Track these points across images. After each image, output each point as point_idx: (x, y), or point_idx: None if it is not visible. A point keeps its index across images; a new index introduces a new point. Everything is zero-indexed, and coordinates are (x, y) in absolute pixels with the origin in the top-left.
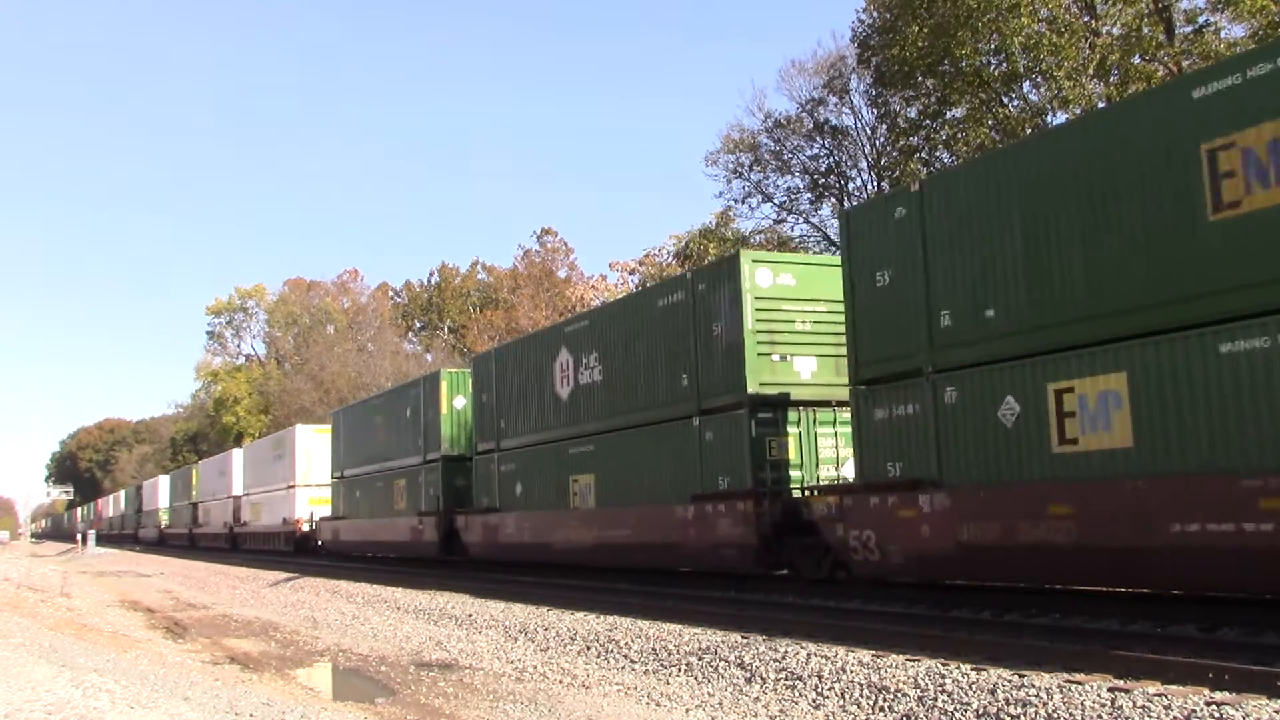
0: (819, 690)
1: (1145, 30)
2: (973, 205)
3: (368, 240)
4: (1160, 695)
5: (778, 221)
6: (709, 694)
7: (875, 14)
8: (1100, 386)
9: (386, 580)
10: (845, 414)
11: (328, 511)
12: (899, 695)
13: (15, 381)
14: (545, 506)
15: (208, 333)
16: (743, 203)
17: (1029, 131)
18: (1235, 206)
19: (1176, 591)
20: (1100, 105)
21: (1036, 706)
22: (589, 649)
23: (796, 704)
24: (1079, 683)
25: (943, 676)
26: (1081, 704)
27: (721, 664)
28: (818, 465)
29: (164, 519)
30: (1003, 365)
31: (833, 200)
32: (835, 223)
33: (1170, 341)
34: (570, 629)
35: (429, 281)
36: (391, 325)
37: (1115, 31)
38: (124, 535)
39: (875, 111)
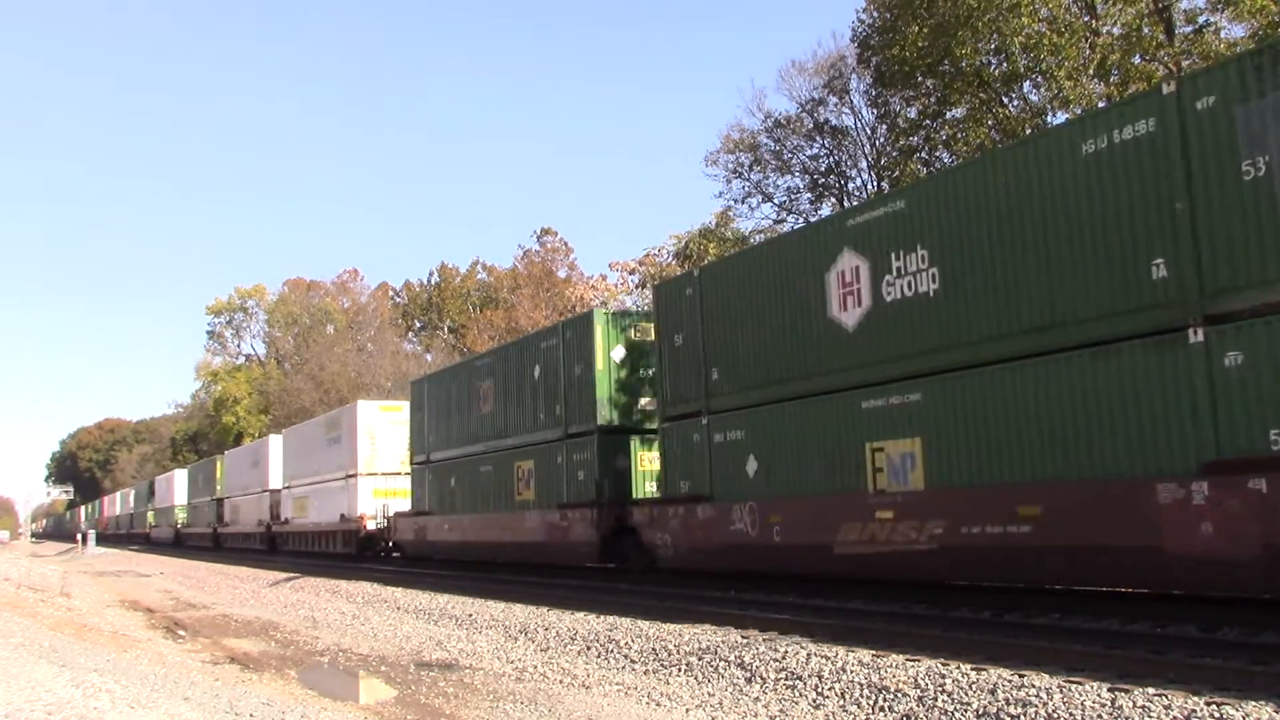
0: (819, 690)
1: (1145, 30)
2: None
3: (368, 240)
4: (1160, 695)
5: (777, 221)
6: (709, 694)
7: (875, 14)
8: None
9: (395, 583)
10: None
11: (404, 506)
12: (899, 695)
13: (15, 381)
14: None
15: (208, 333)
16: (743, 202)
17: (1029, 131)
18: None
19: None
20: (1100, 105)
21: (1036, 706)
22: (589, 649)
23: (796, 704)
24: (1079, 683)
25: (943, 676)
26: (1081, 704)
27: (721, 664)
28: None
29: (181, 517)
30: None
31: (833, 200)
32: None
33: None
34: (570, 629)
35: (429, 281)
36: (391, 325)
37: (1115, 31)
38: (133, 535)
39: (875, 111)
